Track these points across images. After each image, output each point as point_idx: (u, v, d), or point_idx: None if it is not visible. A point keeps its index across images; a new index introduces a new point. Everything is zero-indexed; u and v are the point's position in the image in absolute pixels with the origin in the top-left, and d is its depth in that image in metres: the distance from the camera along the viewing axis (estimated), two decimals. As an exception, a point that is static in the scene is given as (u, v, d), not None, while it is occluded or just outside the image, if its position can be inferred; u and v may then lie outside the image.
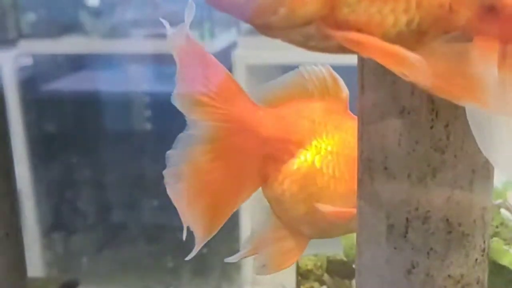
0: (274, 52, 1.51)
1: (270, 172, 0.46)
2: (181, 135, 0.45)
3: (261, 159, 0.45)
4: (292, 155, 0.45)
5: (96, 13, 1.68)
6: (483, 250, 0.34)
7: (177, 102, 0.44)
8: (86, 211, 1.62)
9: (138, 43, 1.67)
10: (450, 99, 0.26)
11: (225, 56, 1.55)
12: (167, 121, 1.65)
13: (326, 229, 0.45)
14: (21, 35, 1.64)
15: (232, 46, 1.58)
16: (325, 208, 0.44)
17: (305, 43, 0.27)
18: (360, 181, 0.34)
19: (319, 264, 0.56)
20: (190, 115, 0.44)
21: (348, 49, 0.26)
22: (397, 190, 0.32)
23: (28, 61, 1.65)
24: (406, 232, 0.33)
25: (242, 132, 0.44)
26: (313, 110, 0.46)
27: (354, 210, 0.35)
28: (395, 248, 0.33)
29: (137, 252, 1.55)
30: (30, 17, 1.68)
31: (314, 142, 0.45)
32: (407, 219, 0.32)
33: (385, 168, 0.32)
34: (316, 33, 0.26)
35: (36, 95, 1.62)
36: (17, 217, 0.59)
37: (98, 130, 1.62)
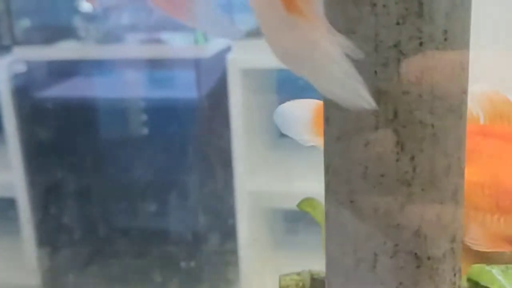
0: (268, 56, 1.50)
1: None
2: None
3: None
4: None
5: (90, 18, 1.68)
6: (454, 284, 0.33)
7: None
8: (78, 221, 1.62)
9: (132, 48, 1.67)
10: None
11: (219, 60, 1.55)
12: (163, 126, 1.65)
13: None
14: (15, 42, 1.64)
15: (227, 50, 1.58)
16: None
17: None
18: (326, 214, 0.33)
19: (301, 284, 0.55)
20: None
21: None
22: (364, 224, 0.32)
23: (23, 68, 1.65)
24: (374, 267, 0.32)
25: None
26: (469, 136, 0.43)
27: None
28: (363, 283, 0.32)
29: (124, 267, 1.55)
30: (24, 23, 1.68)
31: None
32: (375, 253, 0.32)
33: (351, 202, 0.32)
34: None
35: (31, 102, 1.62)
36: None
37: (93, 136, 1.62)
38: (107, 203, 1.64)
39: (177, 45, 1.66)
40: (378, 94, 0.30)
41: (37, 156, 1.60)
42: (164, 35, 1.68)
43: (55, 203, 1.63)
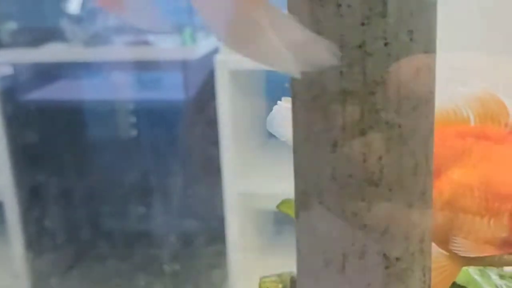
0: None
1: None
2: None
3: None
4: None
5: (77, 20, 1.67)
6: (424, 283, 0.33)
7: None
8: (65, 223, 1.61)
9: (120, 50, 1.66)
10: None
11: (207, 62, 1.55)
12: (150, 128, 1.65)
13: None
14: (1, 44, 1.63)
15: (214, 51, 1.57)
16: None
17: None
18: (296, 216, 0.33)
19: (281, 286, 0.55)
20: None
21: None
22: (332, 225, 0.32)
23: (9, 70, 1.64)
24: (343, 268, 0.32)
25: None
26: (460, 137, 0.42)
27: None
28: (333, 284, 0.32)
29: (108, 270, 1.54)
30: (11, 25, 1.67)
31: (451, 173, 0.42)
32: (343, 254, 0.32)
33: (320, 203, 0.32)
34: None
35: (18, 105, 1.61)
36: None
37: (80, 138, 1.61)
38: (95, 205, 1.63)
39: (164, 46, 1.66)
40: (344, 94, 0.30)
41: (25, 159, 1.59)
42: (152, 37, 1.68)
43: (42, 206, 1.62)
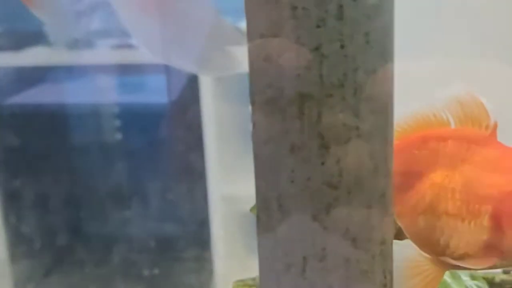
0: (241, 61, 1.50)
1: (397, 204, 0.44)
2: None
3: None
4: (412, 187, 0.43)
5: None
6: (385, 286, 0.33)
7: None
8: (47, 228, 1.60)
9: (103, 54, 1.66)
10: None
11: (191, 65, 1.54)
12: (135, 131, 1.64)
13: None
14: (-17, 48, 1.62)
15: (198, 54, 1.57)
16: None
17: None
18: (257, 219, 0.33)
19: (253, 288, 0.55)
20: None
21: None
22: (292, 228, 0.31)
23: (-8, 75, 1.63)
24: (304, 271, 0.32)
25: None
26: (441, 140, 0.43)
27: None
28: (294, 287, 0.32)
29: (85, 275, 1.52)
30: (-7, 29, 1.66)
31: (432, 176, 0.42)
32: (304, 257, 0.32)
33: (280, 206, 0.31)
34: None
35: (0, 109, 1.60)
36: None
37: (63, 142, 1.60)
38: (77, 210, 1.62)
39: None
40: (301, 97, 0.30)
41: (6, 163, 1.58)
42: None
43: (22, 211, 1.61)
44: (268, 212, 0.32)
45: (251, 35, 0.31)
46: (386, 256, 0.33)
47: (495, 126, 0.42)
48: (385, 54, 0.31)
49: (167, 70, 1.63)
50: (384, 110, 0.31)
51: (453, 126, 0.43)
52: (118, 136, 1.64)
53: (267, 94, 0.31)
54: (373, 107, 0.30)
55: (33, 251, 1.61)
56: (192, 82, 1.53)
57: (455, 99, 0.43)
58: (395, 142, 0.44)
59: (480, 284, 0.50)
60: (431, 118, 0.43)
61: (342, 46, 0.29)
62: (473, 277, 0.50)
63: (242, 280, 0.56)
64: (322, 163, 0.30)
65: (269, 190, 0.32)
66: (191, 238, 1.52)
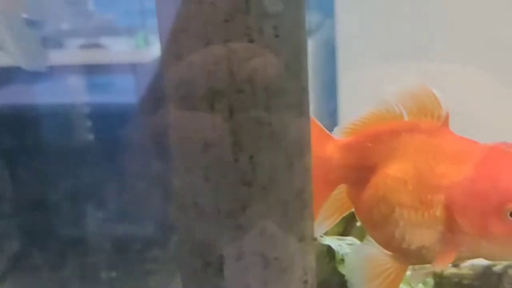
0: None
1: (353, 199, 0.45)
2: None
3: (336, 186, 0.45)
4: (367, 182, 0.43)
5: (28, 24, 1.65)
6: (305, 282, 0.32)
7: None
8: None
9: (72, 54, 1.64)
10: None
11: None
12: (107, 132, 1.62)
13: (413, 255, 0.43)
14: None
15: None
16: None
17: None
18: (175, 219, 0.32)
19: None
20: None
21: None
22: (209, 227, 0.31)
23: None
24: (222, 270, 0.31)
25: (315, 162, 0.43)
26: (394, 133, 0.43)
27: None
28: (212, 286, 0.32)
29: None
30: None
31: (385, 168, 0.42)
32: (221, 256, 0.31)
33: (195, 204, 0.31)
34: None
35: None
36: None
37: (30, 143, 1.58)
38: (55, 211, 1.60)
39: (118, 49, 1.64)
40: (212, 93, 0.29)
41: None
42: (105, 40, 1.66)
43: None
44: (184, 211, 0.32)
45: (162, 31, 0.30)
46: (306, 253, 0.32)
47: (447, 116, 0.42)
48: (297, 48, 0.30)
49: (136, 69, 1.62)
50: (298, 105, 0.31)
51: (406, 119, 0.43)
52: (86, 136, 1.63)
53: (180, 91, 0.30)
54: (286, 102, 0.30)
55: None
56: (162, 81, 1.52)
57: (407, 93, 0.43)
58: (350, 138, 0.45)
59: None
60: (383, 113, 0.44)
61: (250, 41, 0.29)
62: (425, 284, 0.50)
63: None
64: (235, 160, 0.30)
65: (184, 188, 0.31)
66: (162, 240, 1.51)
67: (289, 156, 0.31)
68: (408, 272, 0.51)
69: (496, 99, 1.01)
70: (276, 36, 0.29)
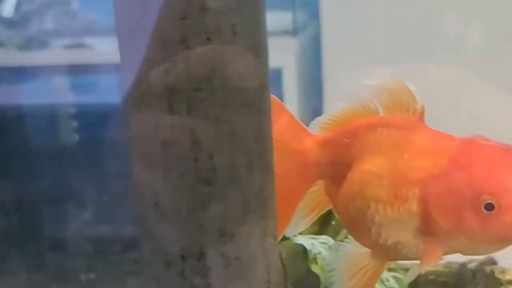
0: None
1: (331, 195, 0.44)
2: None
3: (314, 182, 0.44)
4: (344, 177, 0.43)
5: (12, 24, 1.63)
6: (268, 281, 0.32)
7: None
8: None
9: (56, 54, 1.63)
10: None
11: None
12: (91, 132, 1.62)
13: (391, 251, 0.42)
14: None
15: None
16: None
17: None
18: (136, 219, 0.32)
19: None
20: None
21: None
22: (169, 227, 0.31)
23: None
24: (183, 270, 0.31)
25: (292, 158, 0.43)
26: (369, 129, 0.43)
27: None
28: (173, 287, 0.31)
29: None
30: None
31: (361, 163, 0.42)
32: (182, 256, 0.31)
33: (156, 204, 0.31)
34: None
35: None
36: None
37: (15, 144, 1.57)
38: (35, 212, 1.59)
39: (102, 49, 1.63)
40: (170, 92, 0.29)
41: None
42: (89, 40, 1.65)
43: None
44: (145, 210, 0.31)
45: (119, 29, 0.30)
46: (268, 251, 0.32)
47: (422, 110, 0.42)
48: (257, 46, 0.30)
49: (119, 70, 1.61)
50: (257, 103, 0.30)
51: (382, 114, 0.43)
52: (72, 136, 1.62)
53: (137, 90, 0.30)
54: (244, 100, 0.30)
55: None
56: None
57: (382, 88, 0.43)
58: (327, 133, 0.45)
59: (397, 275, 0.50)
60: (359, 108, 0.43)
61: (208, 39, 0.28)
62: (390, 268, 0.50)
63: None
64: (195, 159, 0.30)
65: (144, 188, 0.31)
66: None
67: (248, 155, 0.30)
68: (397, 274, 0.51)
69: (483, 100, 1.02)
70: (234, 33, 0.29)
